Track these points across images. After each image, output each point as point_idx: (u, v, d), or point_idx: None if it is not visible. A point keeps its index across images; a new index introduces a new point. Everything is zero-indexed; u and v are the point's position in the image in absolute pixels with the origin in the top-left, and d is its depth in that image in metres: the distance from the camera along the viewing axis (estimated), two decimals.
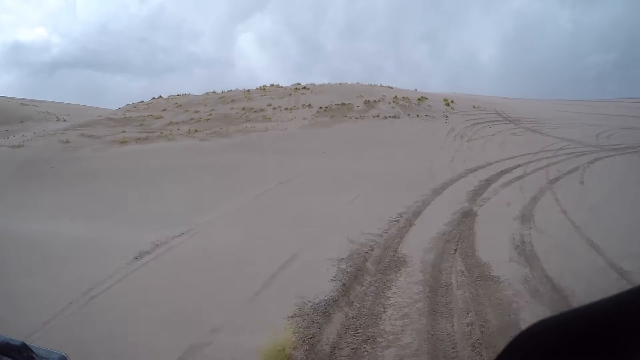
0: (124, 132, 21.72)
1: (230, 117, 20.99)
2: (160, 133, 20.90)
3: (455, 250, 4.90)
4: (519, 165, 11.85)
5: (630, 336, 0.38)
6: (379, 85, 25.36)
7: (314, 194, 8.48)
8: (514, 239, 5.63)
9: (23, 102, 40.85)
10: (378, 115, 18.96)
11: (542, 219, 6.78)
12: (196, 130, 19.90)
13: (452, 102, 21.96)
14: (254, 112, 20.85)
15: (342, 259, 4.57)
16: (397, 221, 6.24)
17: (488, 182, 9.64)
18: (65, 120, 31.90)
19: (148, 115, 24.78)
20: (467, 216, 6.72)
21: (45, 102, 44.76)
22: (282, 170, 11.31)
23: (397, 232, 5.70)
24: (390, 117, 18.78)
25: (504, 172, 10.96)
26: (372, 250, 4.90)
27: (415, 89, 25.43)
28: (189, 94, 30.47)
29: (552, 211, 7.32)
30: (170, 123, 22.37)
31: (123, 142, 19.69)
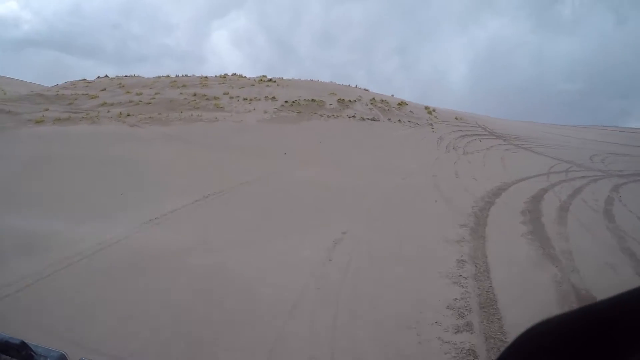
0: (47, 110, 17.04)
1: (175, 102, 16.23)
2: (86, 114, 16.13)
3: None
4: (545, 190, 8.49)
5: (631, 337, 0.35)
6: (354, 86, 21.43)
7: (257, 227, 4.23)
8: None
9: None
10: (354, 116, 15.00)
11: None
12: (129, 115, 15.08)
13: (434, 110, 18.56)
14: (206, 99, 16.21)
15: None
16: (471, 352, 2.09)
17: (534, 216, 5.90)
18: None
19: (83, 94, 19.81)
20: None
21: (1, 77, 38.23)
22: (219, 174, 6.95)
23: None
24: (368, 119, 14.88)
25: (535, 198, 7.46)
26: None
27: (392, 95, 21.79)
28: (138, 76, 25.20)
29: None
30: (104, 104, 17.59)
31: (39, 121, 15.23)
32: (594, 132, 23.64)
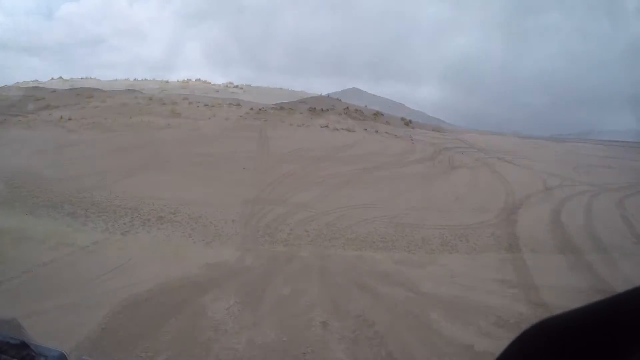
0: None
1: (127, 107, 13.88)
2: (24, 117, 13.51)
3: None
4: (557, 212, 7.41)
5: (631, 336, 0.35)
6: (326, 95, 19.76)
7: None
8: None
9: None
10: (327, 126, 13.25)
11: None
12: (70, 119, 12.61)
13: (410, 122, 17.23)
14: (162, 104, 13.98)
15: None
16: None
17: (575, 254, 4.27)
18: None
19: (29, 96, 17.05)
20: None
21: None
22: (145, 195, 4.89)
23: None
24: (343, 129, 13.18)
25: (555, 224, 6.33)
26: None
27: (366, 106, 20.30)
28: (95, 78, 22.62)
29: None
30: (48, 106, 14.91)
31: None
32: (565, 144, 23.21)
